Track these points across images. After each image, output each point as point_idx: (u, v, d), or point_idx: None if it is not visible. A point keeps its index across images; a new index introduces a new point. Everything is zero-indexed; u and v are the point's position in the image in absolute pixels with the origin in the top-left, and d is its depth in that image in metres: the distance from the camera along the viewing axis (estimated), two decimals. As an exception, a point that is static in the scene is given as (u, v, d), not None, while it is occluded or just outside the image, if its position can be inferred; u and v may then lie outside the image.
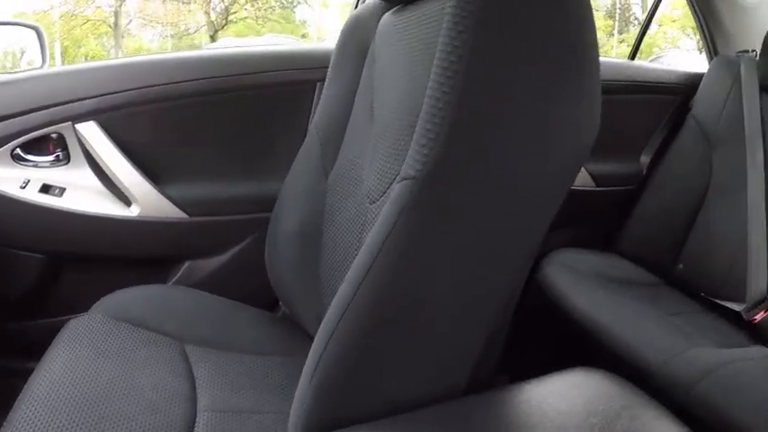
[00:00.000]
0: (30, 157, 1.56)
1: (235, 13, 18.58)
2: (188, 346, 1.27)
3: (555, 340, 1.98)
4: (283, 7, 19.59)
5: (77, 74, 1.61)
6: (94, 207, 1.58)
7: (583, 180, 2.16)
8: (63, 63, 15.53)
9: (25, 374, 1.09)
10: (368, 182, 1.10)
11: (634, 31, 18.98)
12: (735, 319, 1.76)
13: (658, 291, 1.98)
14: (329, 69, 1.44)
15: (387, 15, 1.27)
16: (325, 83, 1.45)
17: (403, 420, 0.82)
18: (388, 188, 0.96)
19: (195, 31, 18.51)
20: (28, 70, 1.68)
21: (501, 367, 1.05)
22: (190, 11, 18.43)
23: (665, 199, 2.14)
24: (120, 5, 17.39)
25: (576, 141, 0.80)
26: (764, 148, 1.93)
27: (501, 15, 0.71)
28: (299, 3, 19.88)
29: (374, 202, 1.04)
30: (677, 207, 2.08)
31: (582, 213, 2.20)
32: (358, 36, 1.37)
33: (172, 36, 18.44)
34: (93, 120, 1.55)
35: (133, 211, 1.60)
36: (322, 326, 0.82)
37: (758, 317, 1.69)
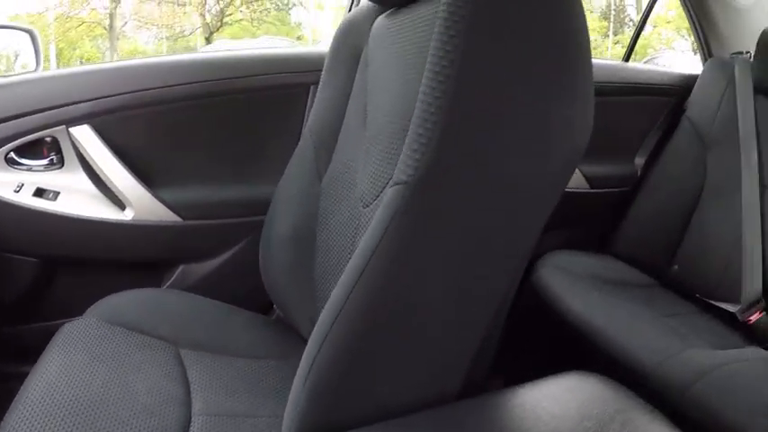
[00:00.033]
0: (24, 160, 1.56)
1: (230, 15, 18.57)
2: (182, 349, 1.27)
3: (549, 342, 1.98)
4: (279, 9, 19.61)
5: (71, 77, 1.61)
6: (89, 211, 1.57)
7: (577, 182, 2.16)
8: (58, 65, 15.54)
9: (20, 378, 1.09)
10: (361, 185, 1.10)
11: (629, 32, 19.01)
12: (730, 319, 1.76)
13: (653, 292, 1.98)
14: (323, 73, 1.44)
15: (380, 19, 1.27)
16: (319, 86, 1.45)
17: (395, 426, 0.82)
18: (381, 192, 0.96)
19: (190, 34, 18.52)
20: (22, 74, 1.68)
21: (495, 369, 1.05)
22: (185, 13, 18.44)
23: (659, 200, 2.14)
24: (116, 7, 17.39)
25: (570, 143, 0.80)
26: (759, 150, 1.93)
27: (492, 20, 0.71)
28: (294, 5, 19.90)
29: (367, 206, 1.04)
30: (672, 208, 2.08)
31: (576, 215, 2.21)
32: (351, 39, 1.37)
33: (167, 38, 18.44)
34: (87, 123, 1.55)
35: (127, 215, 1.59)
36: (315, 329, 0.82)
37: (753, 318, 1.70)
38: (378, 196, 0.99)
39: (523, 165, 0.78)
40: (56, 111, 1.53)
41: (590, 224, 2.30)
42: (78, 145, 1.55)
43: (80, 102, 1.55)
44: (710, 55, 2.32)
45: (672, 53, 15.33)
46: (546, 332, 1.94)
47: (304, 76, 1.71)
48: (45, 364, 1.11)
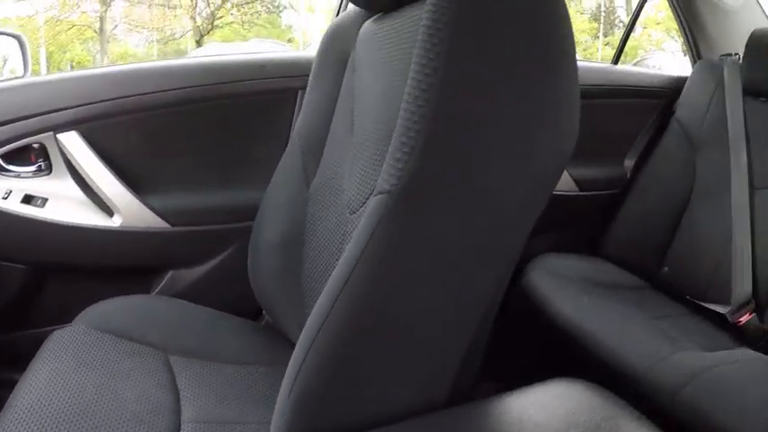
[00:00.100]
0: (11, 167, 1.55)
1: (221, 17, 18.55)
2: (172, 356, 1.26)
3: (540, 346, 1.98)
4: (269, 12, 19.60)
5: (59, 83, 1.60)
6: (77, 217, 1.57)
7: (566, 185, 2.17)
8: (48, 68, 15.50)
9: (9, 386, 1.09)
10: (348, 192, 1.10)
11: (619, 33, 19.04)
12: (720, 321, 1.76)
13: (643, 294, 1.98)
14: (310, 77, 1.44)
15: (367, 23, 1.27)
16: (307, 91, 1.45)
17: None
18: (368, 199, 0.96)
19: (181, 36, 18.49)
20: (9, 79, 1.67)
21: (485, 374, 1.05)
22: (176, 16, 18.40)
23: (649, 202, 2.15)
24: (106, 10, 17.34)
25: (556, 145, 0.80)
26: (748, 151, 1.94)
27: (476, 28, 0.71)
28: (285, 8, 19.89)
29: (354, 213, 1.03)
30: (661, 210, 2.09)
31: (566, 218, 2.21)
32: (339, 44, 1.37)
33: (158, 41, 18.41)
34: (75, 130, 1.54)
35: (115, 222, 1.59)
36: (301, 336, 0.82)
37: (743, 319, 1.70)
38: (364, 203, 0.98)
39: (508, 167, 0.77)
40: (43, 117, 1.53)
41: (579, 227, 2.30)
42: (66, 151, 1.55)
43: (67, 108, 1.54)
44: (699, 57, 2.33)
45: (662, 54, 15.38)
46: (536, 336, 1.94)
47: (291, 81, 1.71)
48: (34, 372, 1.11)
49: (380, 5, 1.18)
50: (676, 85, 2.27)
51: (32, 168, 1.57)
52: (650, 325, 1.69)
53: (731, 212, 1.87)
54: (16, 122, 1.51)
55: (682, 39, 2.44)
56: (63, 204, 1.57)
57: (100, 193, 1.58)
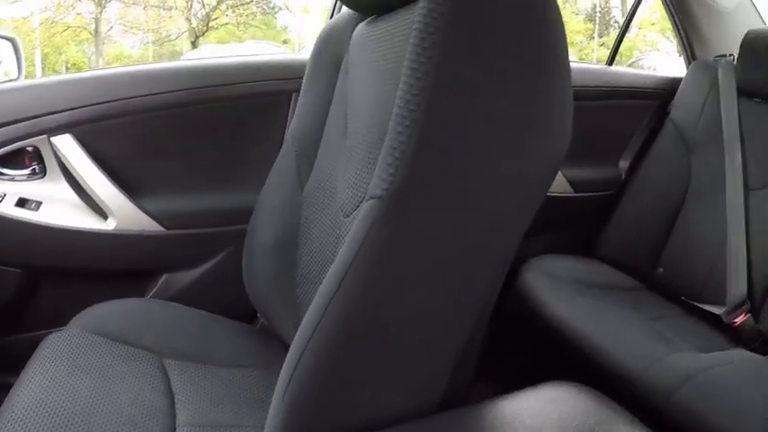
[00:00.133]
0: (5, 170, 1.55)
1: (216, 19, 18.52)
2: (166, 360, 1.26)
3: (535, 347, 1.98)
4: (264, 13, 19.56)
5: (53, 86, 1.60)
6: (71, 221, 1.57)
7: (561, 186, 2.17)
8: (43, 70, 15.47)
9: (4, 389, 1.09)
10: (342, 195, 1.10)
11: (614, 33, 18.99)
12: (715, 322, 1.76)
13: (639, 295, 1.99)
14: (304, 80, 1.44)
15: (361, 26, 1.26)
16: (300, 93, 1.44)
17: None
18: (361, 203, 0.96)
19: (176, 38, 18.45)
20: (3, 82, 1.67)
21: (480, 375, 1.05)
22: (171, 17, 18.36)
23: (644, 203, 2.15)
24: (101, 12, 17.32)
25: (549, 146, 0.80)
26: (743, 151, 1.94)
27: (467, 31, 0.71)
28: (280, 9, 19.87)
29: (348, 216, 1.03)
30: (656, 211, 2.09)
31: (561, 219, 2.21)
32: (332, 46, 1.37)
33: (153, 42, 18.38)
34: (69, 133, 1.54)
35: (110, 225, 1.59)
36: (295, 340, 0.82)
37: (738, 320, 1.70)
38: (358, 206, 0.98)
39: (500, 170, 0.77)
40: (37, 120, 1.52)
41: (574, 228, 2.30)
42: (60, 155, 1.54)
43: (62, 111, 1.54)
44: (694, 58, 2.33)
45: (657, 55, 15.39)
46: (531, 337, 1.94)
47: (285, 84, 1.71)
48: (29, 376, 1.10)
49: (372, 8, 1.17)
50: (671, 86, 2.27)
51: (26, 172, 1.56)
52: (645, 326, 1.70)
53: (726, 213, 1.87)
54: (10, 126, 1.51)
55: (676, 40, 2.44)
56: (57, 208, 1.57)
57: (94, 197, 1.57)
